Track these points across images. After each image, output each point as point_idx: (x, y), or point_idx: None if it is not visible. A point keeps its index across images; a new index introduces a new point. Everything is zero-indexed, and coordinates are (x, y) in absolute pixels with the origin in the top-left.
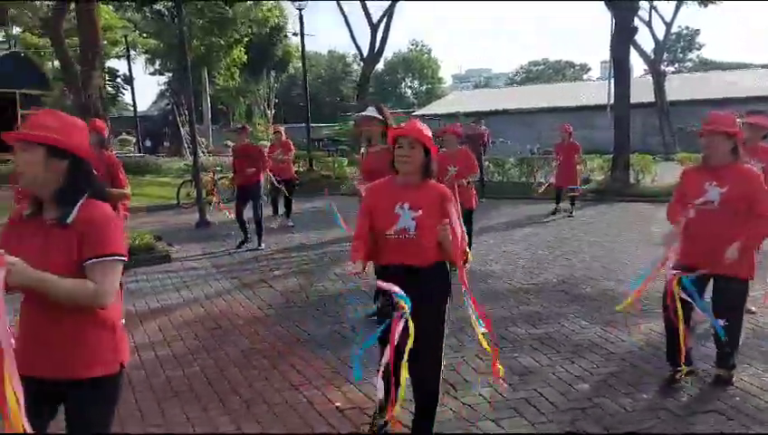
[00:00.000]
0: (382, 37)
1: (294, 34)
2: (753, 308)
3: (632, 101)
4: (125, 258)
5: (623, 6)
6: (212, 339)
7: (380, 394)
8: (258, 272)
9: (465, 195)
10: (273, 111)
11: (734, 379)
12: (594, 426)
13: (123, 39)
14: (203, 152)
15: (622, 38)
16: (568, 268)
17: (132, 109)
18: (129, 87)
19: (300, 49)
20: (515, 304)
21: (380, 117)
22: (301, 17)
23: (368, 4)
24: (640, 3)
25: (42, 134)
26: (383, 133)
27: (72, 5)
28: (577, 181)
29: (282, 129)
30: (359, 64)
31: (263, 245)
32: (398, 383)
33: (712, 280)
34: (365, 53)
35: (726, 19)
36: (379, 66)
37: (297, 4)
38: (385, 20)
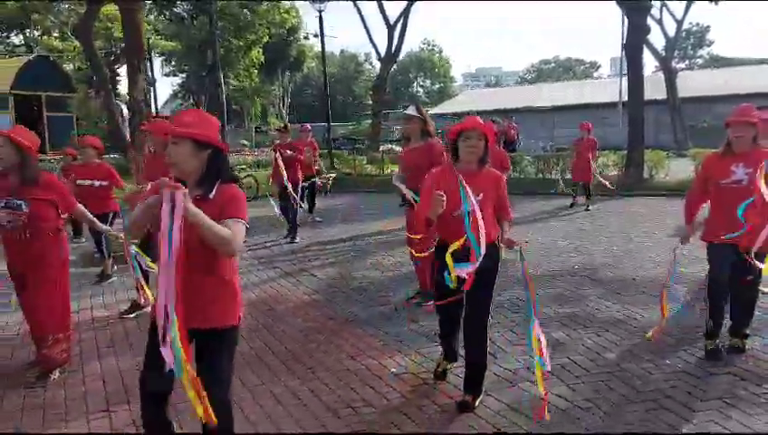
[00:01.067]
0: (399, 37)
1: (315, 36)
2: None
3: (644, 98)
4: (248, 226)
5: (636, 6)
6: (269, 319)
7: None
8: (297, 262)
9: None
10: (287, 111)
11: (747, 347)
12: (623, 387)
13: (146, 41)
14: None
15: (635, 38)
16: (588, 256)
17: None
18: (151, 88)
19: (314, 49)
20: (541, 288)
21: (419, 115)
22: (320, 18)
23: (384, 4)
24: (652, 1)
25: (189, 130)
26: (422, 131)
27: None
28: (590, 177)
29: (309, 127)
30: (371, 64)
31: (297, 238)
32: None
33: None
34: (382, 53)
35: (734, 16)
36: (394, 66)
37: (317, 5)
38: (402, 20)
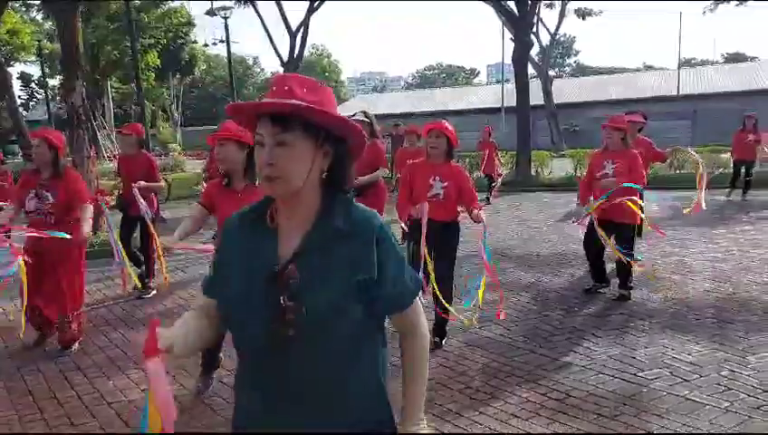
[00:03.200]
0: (300, 44)
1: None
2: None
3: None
4: None
5: (522, 25)
6: None
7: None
8: None
9: None
10: (179, 115)
11: (631, 297)
12: (547, 327)
13: (37, 43)
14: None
15: (521, 52)
16: (500, 239)
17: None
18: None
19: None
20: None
21: (367, 119)
22: (226, 25)
23: (285, 13)
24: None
25: (232, 135)
26: (370, 132)
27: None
28: (495, 171)
29: None
30: (259, 67)
31: None
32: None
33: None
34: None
35: (595, 29)
36: (281, 70)
37: (223, 12)
38: (302, 27)
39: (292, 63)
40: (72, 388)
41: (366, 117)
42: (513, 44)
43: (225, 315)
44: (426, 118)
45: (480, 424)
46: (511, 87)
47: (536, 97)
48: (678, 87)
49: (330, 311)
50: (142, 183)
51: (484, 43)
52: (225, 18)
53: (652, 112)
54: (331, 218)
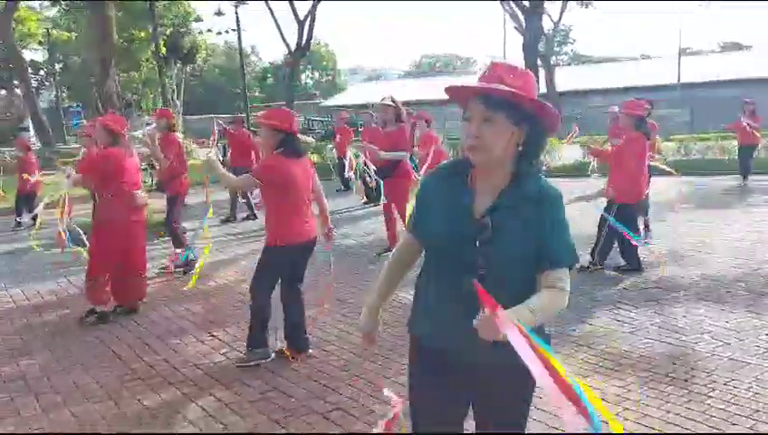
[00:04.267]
0: (308, 33)
1: (218, 33)
2: None
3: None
4: None
5: (533, 13)
6: None
7: None
8: None
9: None
10: (181, 102)
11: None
12: (586, 299)
13: (45, 31)
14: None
15: (532, 40)
16: None
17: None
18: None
19: (207, 42)
20: None
21: (394, 104)
22: (237, 15)
23: (293, 3)
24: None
25: (269, 121)
26: (396, 116)
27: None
28: None
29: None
30: (257, 56)
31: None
32: None
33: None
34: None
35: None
36: (279, 58)
37: (234, 3)
38: (309, 16)
39: (299, 52)
40: (157, 353)
41: (392, 102)
42: (512, 35)
43: (428, 247)
44: (428, 105)
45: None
46: None
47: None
48: (679, 75)
49: (509, 256)
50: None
51: (479, 33)
52: (236, 7)
53: (652, 101)
54: (520, 184)
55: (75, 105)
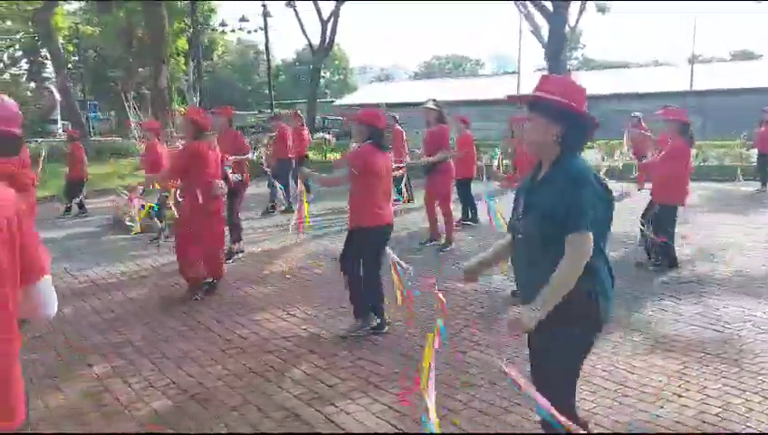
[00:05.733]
0: (331, 33)
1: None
2: None
3: None
4: None
5: (556, 17)
6: None
7: None
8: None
9: None
10: (198, 98)
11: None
12: (627, 290)
13: (74, 26)
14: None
15: (556, 44)
16: None
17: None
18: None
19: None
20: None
21: (436, 107)
22: (264, 11)
23: (317, 3)
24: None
25: (363, 118)
26: (438, 118)
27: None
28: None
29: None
30: (271, 54)
31: None
32: None
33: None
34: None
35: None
36: (291, 56)
37: (262, 2)
38: (333, 17)
39: (322, 51)
40: (244, 327)
41: (435, 105)
42: (521, 37)
43: None
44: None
45: (606, 358)
46: (514, 77)
47: None
48: (691, 82)
49: (536, 222)
50: (231, 157)
51: (484, 34)
52: (264, 7)
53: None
54: (558, 166)
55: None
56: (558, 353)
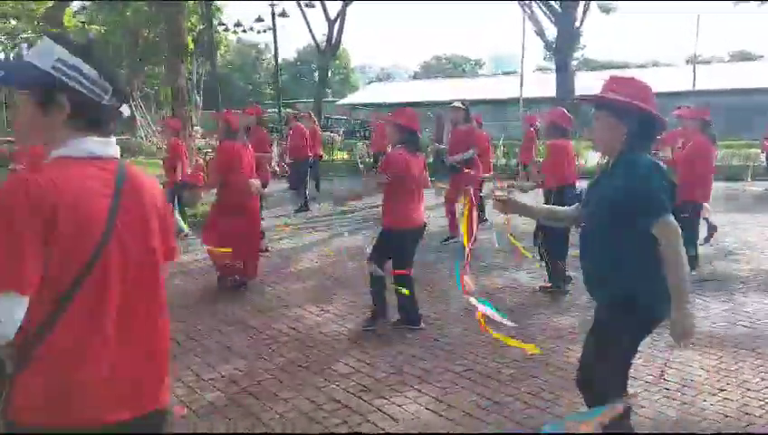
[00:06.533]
0: (337, 33)
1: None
2: None
3: (544, 95)
4: None
5: (565, 16)
6: None
7: None
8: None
9: None
10: (201, 97)
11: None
12: None
13: (81, 25)
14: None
15: (566, 43)
16: None
17: None
18: None
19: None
20: None
21: (463, 106)
22: (273, 13)
23: (324, 3)
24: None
25: (397, 119)
26: (465, 117)
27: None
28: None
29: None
30: (271, 53)
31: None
32: None
33: None
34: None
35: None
36: (292, 55)
37: (271, 3)
38: (340, 17)
39: (329, 51)
40: (282, 322)
41: (462, 105)
42: (524, 37)
43: None
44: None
45: (644, 353)
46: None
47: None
48: (694, 82)
49: (601, 215)
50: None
51: (483, 34)
52: (273, 7)
53: (666, 108)
54: (625, 162)
55: None
56: (622, 328)
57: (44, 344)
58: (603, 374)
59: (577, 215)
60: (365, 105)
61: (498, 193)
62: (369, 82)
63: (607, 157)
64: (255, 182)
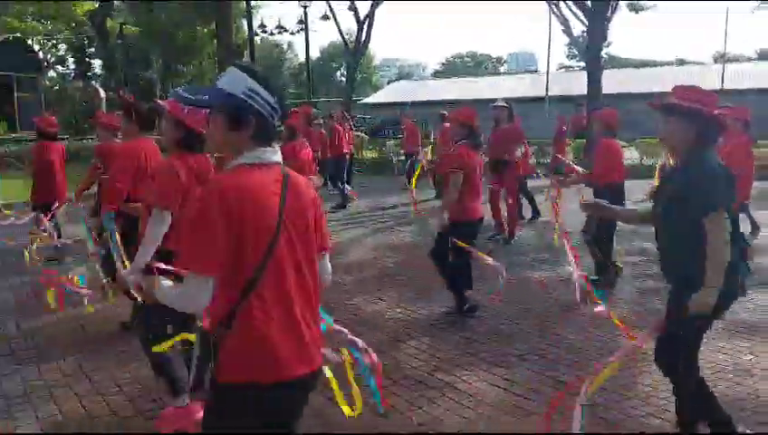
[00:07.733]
0: (366, 33)
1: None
2: None
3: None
4: None
5: (596, 16)
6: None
7: None
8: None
9: None
10: None
11: None
12: None
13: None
14: None
15: (596, 43)
16: None
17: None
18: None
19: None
20: None
21: (507, 105)
22: (305, 13)
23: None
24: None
25: (459, 117)
26: (509, 116)
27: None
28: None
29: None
30: (293, 53)
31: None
32: None
33: None
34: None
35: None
36: (315, 54)
37: (302, 3)
38: (368, 18)
39: (359, 52)
40: (342, 310)
41: (506, 104)
42: (551, 36)
43: None
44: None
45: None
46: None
47: (580, 88)
48: (722, 81)
49: (669, 208)
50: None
51: (504, 32)
52: (305, 7)
53: None
54: (692, 160)
55: None
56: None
57: (243, 316)
58: (678, 353)
59: (652, 212)
60: (389, 104)
61: (585, 198)
62: (390, 81)
63: (675, 156)
64: (315, 180)
